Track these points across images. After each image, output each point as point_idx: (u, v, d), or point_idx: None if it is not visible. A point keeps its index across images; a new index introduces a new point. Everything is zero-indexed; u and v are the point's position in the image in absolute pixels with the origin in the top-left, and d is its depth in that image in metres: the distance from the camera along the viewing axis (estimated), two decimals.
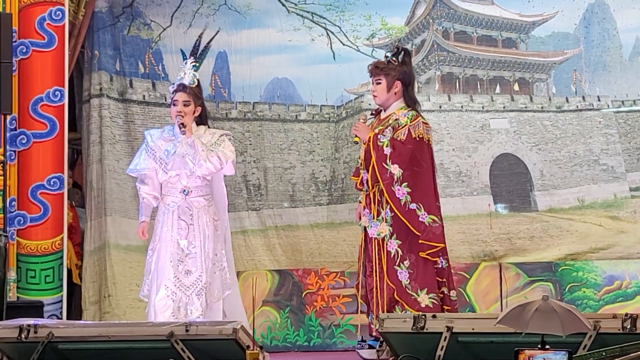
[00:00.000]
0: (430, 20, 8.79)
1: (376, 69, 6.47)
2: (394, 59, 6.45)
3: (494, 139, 8.71)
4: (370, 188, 6.38)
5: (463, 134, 8.70)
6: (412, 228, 6.25)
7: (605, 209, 8.45)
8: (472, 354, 5.15)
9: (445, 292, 6.31)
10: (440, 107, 8.75)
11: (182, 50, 6.76)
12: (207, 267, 6.35)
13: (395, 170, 6.26)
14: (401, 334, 5.30)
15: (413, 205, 6.27)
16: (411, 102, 6.47)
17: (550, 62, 8.76)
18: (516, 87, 8.78)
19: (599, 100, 8.65)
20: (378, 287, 6.30)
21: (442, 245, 6.32)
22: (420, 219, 6.27)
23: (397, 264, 6.27)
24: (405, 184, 6.24)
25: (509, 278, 7.71)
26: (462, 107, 8.76)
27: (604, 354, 4.55)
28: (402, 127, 6.33)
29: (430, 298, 6.22)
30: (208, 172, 6.40)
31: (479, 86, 8.81)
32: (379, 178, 6.28)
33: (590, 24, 8.69)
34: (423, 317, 5.25)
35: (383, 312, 6.01)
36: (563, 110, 8.68)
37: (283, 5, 8.73)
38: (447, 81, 8.81)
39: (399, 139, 6.30)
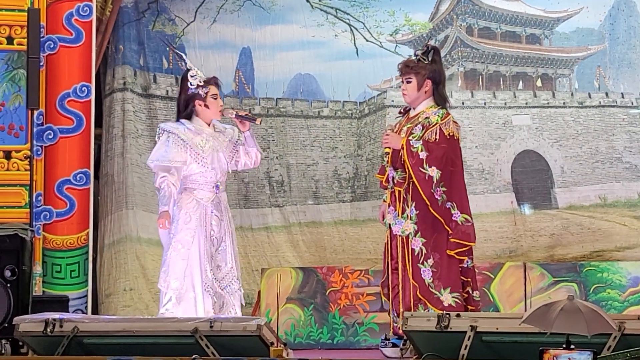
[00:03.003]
0: (454, 16, 8.76)
1: (406, 68, 6.40)
2: (423, 57, 6.38)
3: (515, 135, 8.67)
4: (396, 186, 6.36)
5: (486, 130, 8.67)
6: (446, 226, 6.23)
7: (629, 208, 8.37)
8: (496, 354, 5.14)
9: (470, 292, 6.28)
10: (463, 103, 8.72)
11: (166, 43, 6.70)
12: (237, 262, 6.39)
13: (434, 172, 6.17)
14: (425, 332, 5.30)
15: (448, 204, 6.24)
16: (441, 101, 6.39)
17: (574, 58, 8.70)
18: (539, 83, 8.74)
19: (622, 97, 8.58)
20: (401, 285, 6.29)
21: (473, 244, 6.29)
22: (453, 218, 6.23)
23: (420, 262, 6.23)
24: (442, 183, 6.21)
25: (534, 278, 7.65)
26: (484, 103, 8.73)
27: (628, 355, 4.53)
28: (433, 126, 6.27)
29: (453, 297, 6.18)
30: (252, 165, 6.51)
31: (501, 82, 8.76)
32: (418, 184, 6.22)
33: (616, 20, 8.62)
34: (447, 316, 5.25)
35: (407, 310, 6.00)
36: (585, 106, 8.61)
37: (307, 1, 8.73)
38: (470, 77, 8.78)
39: (432, 139, 6.22)
